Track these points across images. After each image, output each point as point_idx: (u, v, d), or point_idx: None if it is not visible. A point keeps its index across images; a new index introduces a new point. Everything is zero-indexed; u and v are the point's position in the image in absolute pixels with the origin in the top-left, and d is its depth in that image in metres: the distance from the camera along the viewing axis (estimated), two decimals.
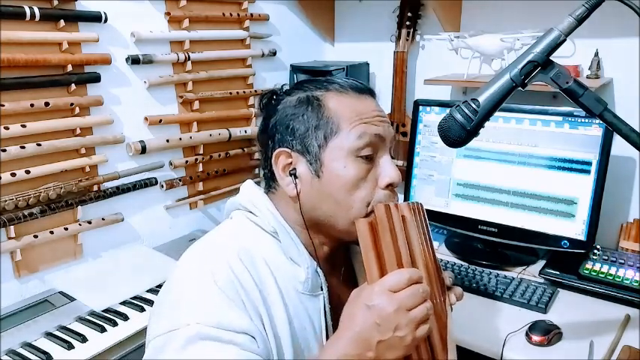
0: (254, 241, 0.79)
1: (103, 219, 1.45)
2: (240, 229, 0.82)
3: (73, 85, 1.34)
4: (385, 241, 0.70)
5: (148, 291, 1.32)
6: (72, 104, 1.34)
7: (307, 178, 0.78)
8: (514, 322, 1.21)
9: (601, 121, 0.81)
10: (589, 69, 1.50)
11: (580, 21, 0.76)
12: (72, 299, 1.28)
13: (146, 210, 1.59)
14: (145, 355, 0.71)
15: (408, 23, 1.79)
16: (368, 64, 1.92)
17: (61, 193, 1.33)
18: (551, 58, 0.78)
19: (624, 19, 1.43)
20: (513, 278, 1.41)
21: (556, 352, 1.13)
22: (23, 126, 1.24)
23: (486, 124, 0.82)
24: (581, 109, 0.79)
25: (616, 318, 1.23)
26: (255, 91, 1.83)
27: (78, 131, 1.37)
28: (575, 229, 1.41)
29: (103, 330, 1.16)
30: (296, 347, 0.77)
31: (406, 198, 1.69)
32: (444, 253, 1.62)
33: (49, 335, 1.15)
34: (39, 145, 1.27)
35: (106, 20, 1.37)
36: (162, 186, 1.60)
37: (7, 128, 1.21)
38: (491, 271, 1.45)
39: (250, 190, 0.85)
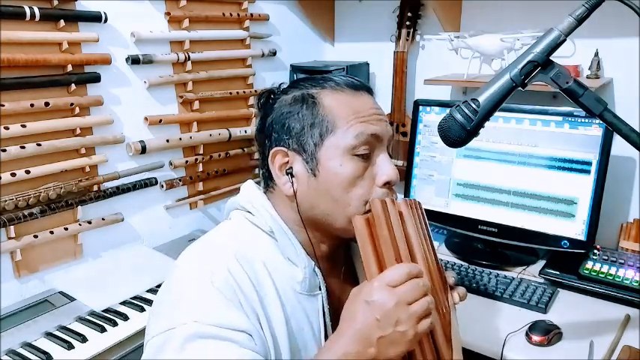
0: (251, 241, 0.79)
1: (103, 219, 1.45)
2: (238, 230, 0.82)
3: (73, 85, 1.34)
4: (383, 236, 0.69)
5: (148, 291, 1.32)
6: (72, 104, 1.34)
7: (304, 176, 0.78)
8: (514, 322, 1.21)
9: (601, 121, 0.81)
10: (589, 69, 1.50)
11: (580, 21, 0.76)
12: (72, 299, 1.28)
13: (146, 210, 1.59)
14: (144, 355, 0.71)
15: (408, 23, 1.79)
16: (368, 64, 1.92)
17: (61, 193, 1.33)
18: (551, 58, 0.78)
19: (624, 19, 1.43)
20: (513, 278, 1.41)
21: (556, 352, 1.13)
22: (23, 126, 1.24)
23: (486, 124, 0.82)
24: (581, 109, 0.79)
25: (616, 318, 1.23)
26: (255, 91, 1.83)
27: (78, 131, 1.37)
28: (575, 229, 1.41)
29: (103, 330, 1.16)
30: (293, 348, 0.76)
31: (406, 198, 1.69)
32: (444, 253, 1.62)
33: (49, 335, 1.15)
34: (39, 145, 1.27)
35: (106, 20, 1.37)
36: (162, 186, 1.60)
37: (7, 128, 1.21)
38: (491, 271, 1.45)
39: (250, 190, 0.85)
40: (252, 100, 1.83)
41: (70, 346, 1.11)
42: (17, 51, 1.22)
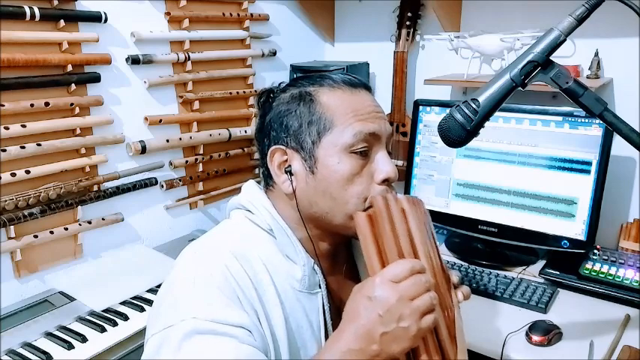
0: (250, 239, 0.79)
1: (103, 219, 1.45)
2: (237, 228, 0.82)
3: (73, 85, 1.34)
4: (385, 232, 0.69)
5: (148, 291, 1.32)
6: (72, 104, 1.34)
7: (302, 174, 0.78)
8: (514, 322, 1.21)
9: (601, 121, 0.81)
10: (589, 69, 1.50)
11: (580, 21, 0.76)
12: (72, 299, 1.27)
13: (146, 210, 1.59)
14: (144, 355, 0.71)
15: (408, 23, 1.79)
16: (368, 64, 1.92)
17: (61, 193, 1.33)
18: (551, 58, 0.78)
19: (624, 19, 1.43)
20: (513, 278, 1.41)
21: (556, 352, 1.13)
22: (23, 126, 1.24)
23: (486, 124, 0.82)
24: (581, 109, 0.79)
25: (616, 318, 1.23)
26: (256, 91, 1.83)
27: (78, 131, 1.37)
28: (575, 229, 1.41)
29: (103, 330, 1.16)
30: (292, 346, 0.76)
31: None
32: (444, 253, 1.61)
33: (49, 335, 1.15)
34: (39, 145, 1.27)
35: (106, 20, 1.37)
36: (163, 186, 1.60)
37: (7, 128, 1.21)
38: (491, 271, 1.45)
39: (251, 189, 0.85)
40: (252, 100, 1.83)
41: (70, 346, 1.11)
42: (17, 51, 1.22)
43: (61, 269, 1.38)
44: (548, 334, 1.15)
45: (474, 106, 0.80)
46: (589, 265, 1.39)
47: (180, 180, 1.64)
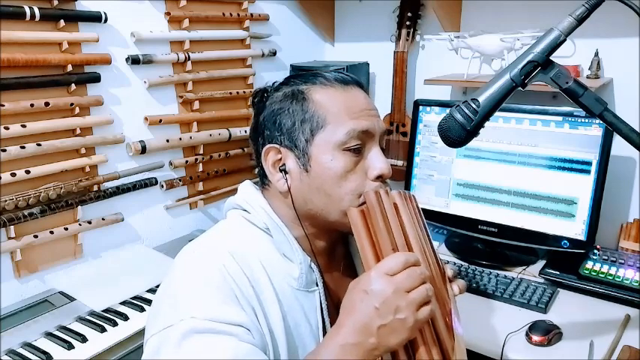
0: (247, 238, 0.80)
1: (103, 219, 1.45)
2: (234, 228, 0.82)
3: (73, 85, 1.34)
4: (379, 226, 0.69)
5: (148, 291, 1.32)
6: (72, 104, 1.34)
7: (296, 172, 0.79)
8: (514, 322, 1.21)
9: (601, 121, 0.81)
10: (589, 69, 1.50)
11: (580, 21, 0.76)
12: (72, 299, 1.27)
13: (146, 210, 1.59)
14: (144, 355, 0.71)
15: (408, 23, 1.79)
16: (368, 64, 1.92)
17: (61, 193, 1.33)
18: (551, 58, 0.78)
19: (624, 19, 1.43)
20: (513, 278, 1.41)
21: (556, 352, 1.13)
22: (23, 126, 1.24)
23: (486, 124, 0.82)
24: (581, 109, 0.79)
25: (616, 318, 1.23)
26: None
27: (78, 131, 1.37)
28: (575, 229, 1.41)
29: (103, 330, 1.16)
30: (290, 344, 0.76)
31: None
32: (444, 253, 1.62)
33: (49, 335, 1.15)
34: (39, 145, 1.27)
35: (106, 20, 1.37)
36: (163, 186, 1.60)
37: (7, 128, 1.21)
38: (491, 271, 1.45)
39: (247, 189, 0.85)
40: None
41: (70, 346, 1.11)
42: (17, 51, 1.22)
43: (61, 269, 1.38)
44: (548, 334, 1.15)
45: (474, 106, 0.80)
46: (589, 265, 1.39)
47: (180, 180, 1.64)
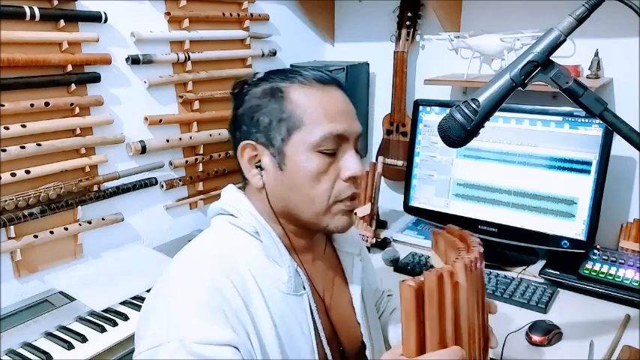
0: (235, 245, 0.79)
1: (103, 219, 1.45)
2: (222, 235, 0.82)
3: (73, 85, 1.34)
4: (431, 315, 0.63)
5: (147, 291, 1.32)
6: (72, 104, 1.34)
7: (271, 170, 0.79)
8: (514, 322, 1.21)
9: (601, 121, 0.81)
10: (589, 69, 1.50)
11: (580, 21, 0.76)
12: (72, 299, 1.27)
13: (146, 210, 1.59)
14: None
15: (408, 23, 1.79)
16: (368, 64, 1.92)
17: (61, 193, 1.33)
18: (551, 58, 0.78)
19: (624, 19, 1.43)
20: (513, 278, 1.41)
21: (556, 352, 1.13)
22: (23, 126, 1.24)
23: (486, 124, 0.82)
24: (581, 109, 0.79)
25: (616, 318, 1.23)
26: None
27: (78, 131, 1.37)
28: (575, 229, 1.41)
29: (103, 330, 1.16)
30: (283, 352, 0.76)
31: (406, 198, 1.69)
32: None
33: (49, 335, 1.15)
34: (39, 145, 1.27)
35: (106, 20, 1.37)
36: (163, 186, 1.60)
37: (7, 128, 1.21)
38: (491, 271, 1.45)
39: (231, 193, 0.85)
40: None
41: (70, 346, 1.11)
42: (17, 51, 1.22)
43: (61, 269, 1.38)
44: (548, 334, 1.14)
45: (474, 106, 0.80)
46: (589, 265, 1.39)
47: (180, 180, 1.64)
